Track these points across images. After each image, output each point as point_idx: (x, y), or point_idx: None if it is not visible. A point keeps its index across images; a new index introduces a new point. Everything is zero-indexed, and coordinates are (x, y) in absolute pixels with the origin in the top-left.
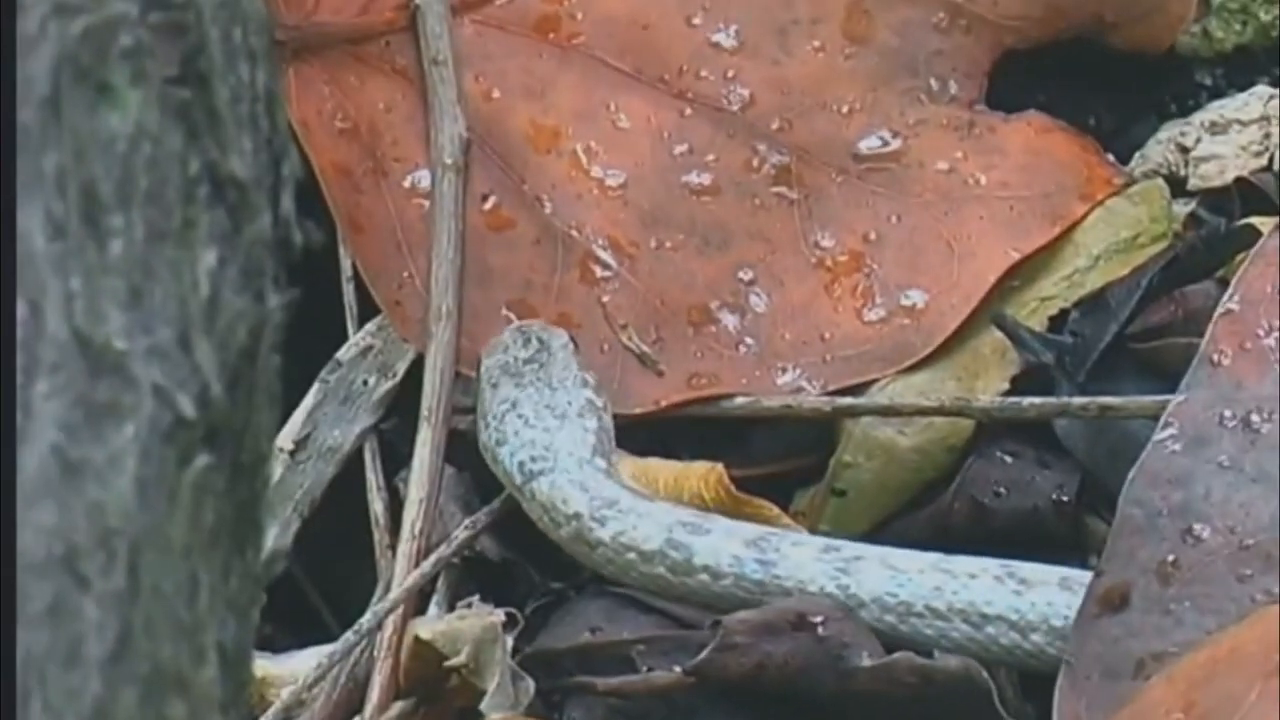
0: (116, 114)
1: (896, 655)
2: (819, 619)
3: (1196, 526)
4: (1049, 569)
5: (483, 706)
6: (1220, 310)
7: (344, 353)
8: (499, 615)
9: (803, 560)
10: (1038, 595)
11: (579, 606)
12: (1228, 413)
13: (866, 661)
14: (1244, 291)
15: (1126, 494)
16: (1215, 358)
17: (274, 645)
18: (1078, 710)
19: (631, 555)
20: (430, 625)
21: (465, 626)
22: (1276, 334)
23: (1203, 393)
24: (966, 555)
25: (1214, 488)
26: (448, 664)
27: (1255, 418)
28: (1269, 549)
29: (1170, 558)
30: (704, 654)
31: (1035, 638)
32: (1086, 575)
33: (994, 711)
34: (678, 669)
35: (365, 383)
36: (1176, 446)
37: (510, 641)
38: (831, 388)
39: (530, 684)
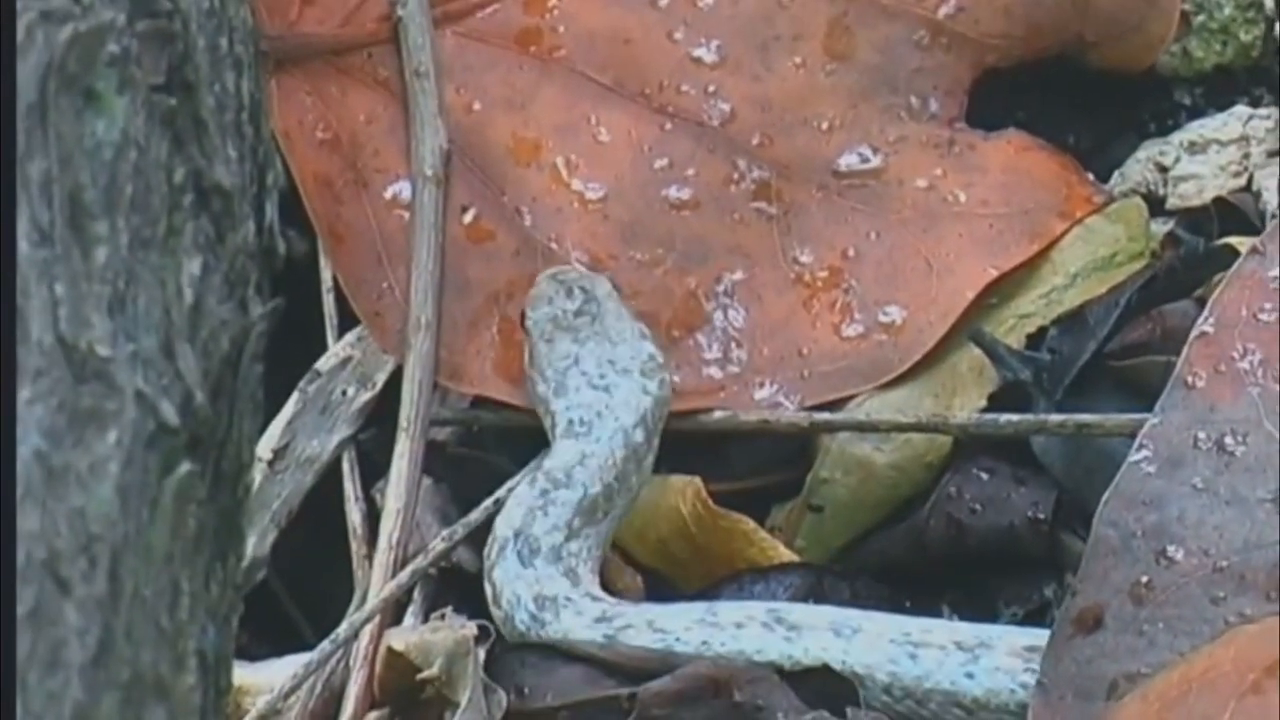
0: (103, 121)
1: (811, 717)
2: (733, 684)
3: (1170, 548)
4: (820, 611)
5: None
6: (1195, 333)
7: (323, 363)
8: (471, 628)
9: (575, 625)
10: (810, 641)
11: (505, 662)
12: (1202, 435)
13: None
14: (1219, 314)
15: (1101, 515)
16: (1190, 380)
17: (250, 654)
18: None
19: None
20: (404, 636)
21: (438, 639)
22: (1251, 357)
23: (1177, 415)
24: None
25: (1188, 510)
26: (420, 676)
27: (1229, 440)
28: (1242, 571)
29: (1144, 579)
30: None
31: None
32: (860, 616)
33: None
34: None
35: (344, 393)
36: (1151, 468)
37: (483, 654)
38: (809, 403)
39: (503, 697)
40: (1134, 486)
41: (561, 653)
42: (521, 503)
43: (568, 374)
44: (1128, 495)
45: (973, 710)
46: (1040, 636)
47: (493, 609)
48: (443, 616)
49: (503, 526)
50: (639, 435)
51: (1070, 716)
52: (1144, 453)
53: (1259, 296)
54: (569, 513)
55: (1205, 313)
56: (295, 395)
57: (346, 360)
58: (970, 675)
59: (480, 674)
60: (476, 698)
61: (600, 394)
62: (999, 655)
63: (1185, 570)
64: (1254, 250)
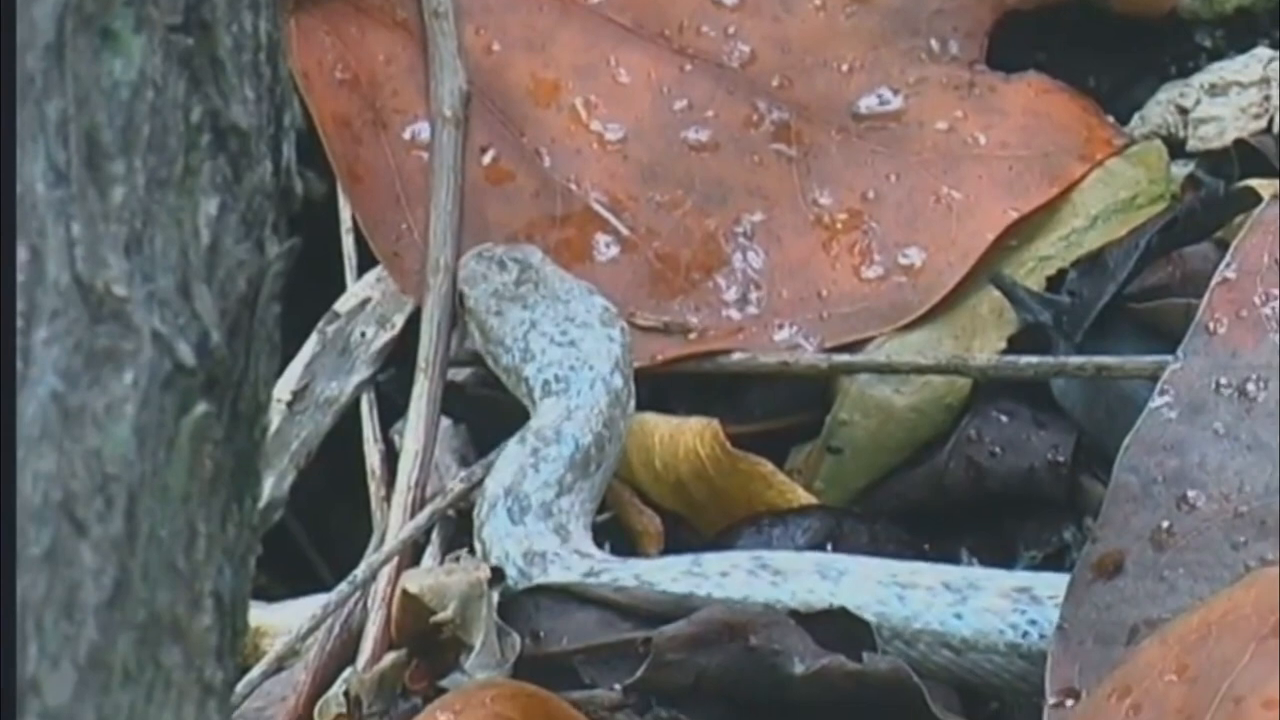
0: (120, 61)
1: (827, 661)
2: (749, 628)
3: (1191, 494)
4: (804, 556)
5: (467, 666)
6: (1217, 279)
7: (342, 304)
8: (485, 571)
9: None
10: (796, 585)
11: (519, 605)
12: (1223, 380)
13: (799, 669)
14: (1241, 260)
15: (1121, 461)
16: (1211, 326)
17: (268, 595)
18: (1070, 676)
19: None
20: (418, 579)
21: (452, 581)
22: (1273, 303)
23: (1199, 360)
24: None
25: (1209, 455)
26: (434, 619)
27: (1251, 386)
28: (1263, 516)
29: (1165, 525)
30: (640, 672)
31: None
32: (846, 560)
33: (926, 711)
34: (617, 686)
35: (363, 334)
36: (1172, 414)
37: (496, 597)
38: (828, 345)
39: (516, 639)
40: (1155, 432)
41: (577, 596)
42: (512, 461)
43: (529, 338)
44: (1148, 441)
45: (961, 651)
46: (1029, 579)
47: None
48: (458, 559)
49: (493, 485)
50: (618, 381)
51: (1090, 662)
52: (1165, 398)
53: None
54: (560, 468)
55: (1227, 259)
56: (314, 336)
57: (365, 301)
58: (959, 616)
59: (494, 617)
60: (490, 640)
61: (568, 349)
62: (987, 596)
63: (1206, 515)
64: (1276, 197)
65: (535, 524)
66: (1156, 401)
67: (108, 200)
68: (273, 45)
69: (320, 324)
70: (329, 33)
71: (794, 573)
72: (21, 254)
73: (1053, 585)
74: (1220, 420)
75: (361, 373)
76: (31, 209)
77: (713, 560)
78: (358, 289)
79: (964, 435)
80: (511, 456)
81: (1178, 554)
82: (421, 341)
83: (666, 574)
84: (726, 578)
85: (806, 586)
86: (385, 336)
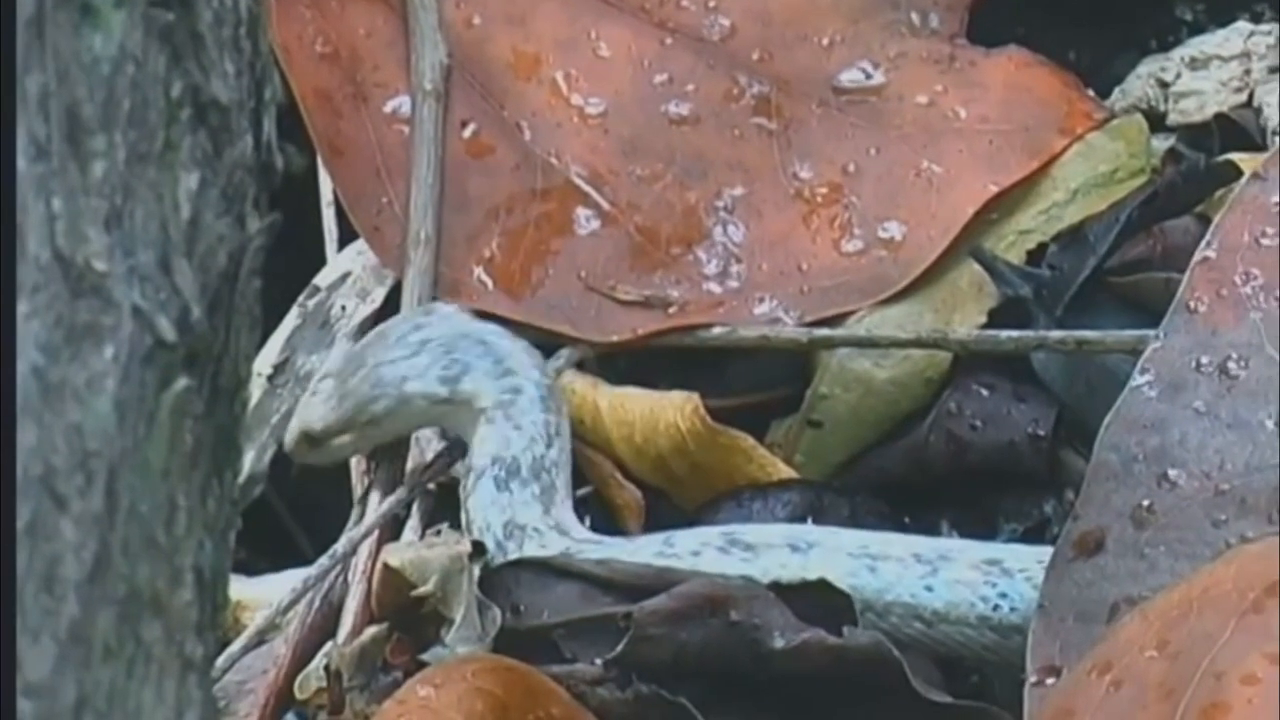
0: (100, 35)
1: (808, 635)
2: (729, 603)
3: (1172, 472)
4: (774, 529)
5: (448, 640)
6: (1197, 258)
7: (322, 278)
8: (465, 544)
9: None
10: (768, 560)
11: (499, 579)
12: (1204, 359)
13: (779, 643)
14: (1221, 238)
15: (1102, 439)
16: (1192, 304)
17: (249, 569)
18: (1051, 653)
19: None
20: (399, 553)
21: (433, 555)
22: (1253, 281)
23: (1179, 339)
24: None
25: (1190, 433)
26: (414, 593)
27: (1231, 364)
28: (1243, 494)
29: (1145, 503)
30: (620, 647)
31: None
32: (817, 532)
33: (907, 685)
34: (598, 660)
35: (343, 308)
36: (1153, 393)
37: (477, 571)
38: (808, 319)
39: (497, 613)
40: (1135, 410)
41: (557, 570)
42: (491, 436)
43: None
44: (1129, 419)
45: (932, 623)
46: (1000, 551)
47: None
48: (439, 532)
49: (479, 456)
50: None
51: (1071, 639)
52: (1146, 377)
53: (1260, 221)
54: (541, 430)
55: (1207, 237)
56: (294, 310)
57: (345, 275)
58: (929, 588)
59: (474, 590)
60: (470, 615)
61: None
62: (959, 568)
63: (1187, 493)
64: (1255, 175)
65: (521, 491)
66: (1137, 380)
67: (88, 175)
68: (253, 19)
69: (301, 298)
70: (309, 6)
71: (765, 547)
72: None
73: (1023, 558)
74: (1201, 399)
75: (342, 347)
76: (11, 184)
77: (684, 538)
78: (338, 263)
79: (944, 409)
80: (489, 432)
81: (1158, 532)
82: (402, 315)
83: (639, 556)
84: (698, 556)
85: (778, 561)
86: (366, 310)
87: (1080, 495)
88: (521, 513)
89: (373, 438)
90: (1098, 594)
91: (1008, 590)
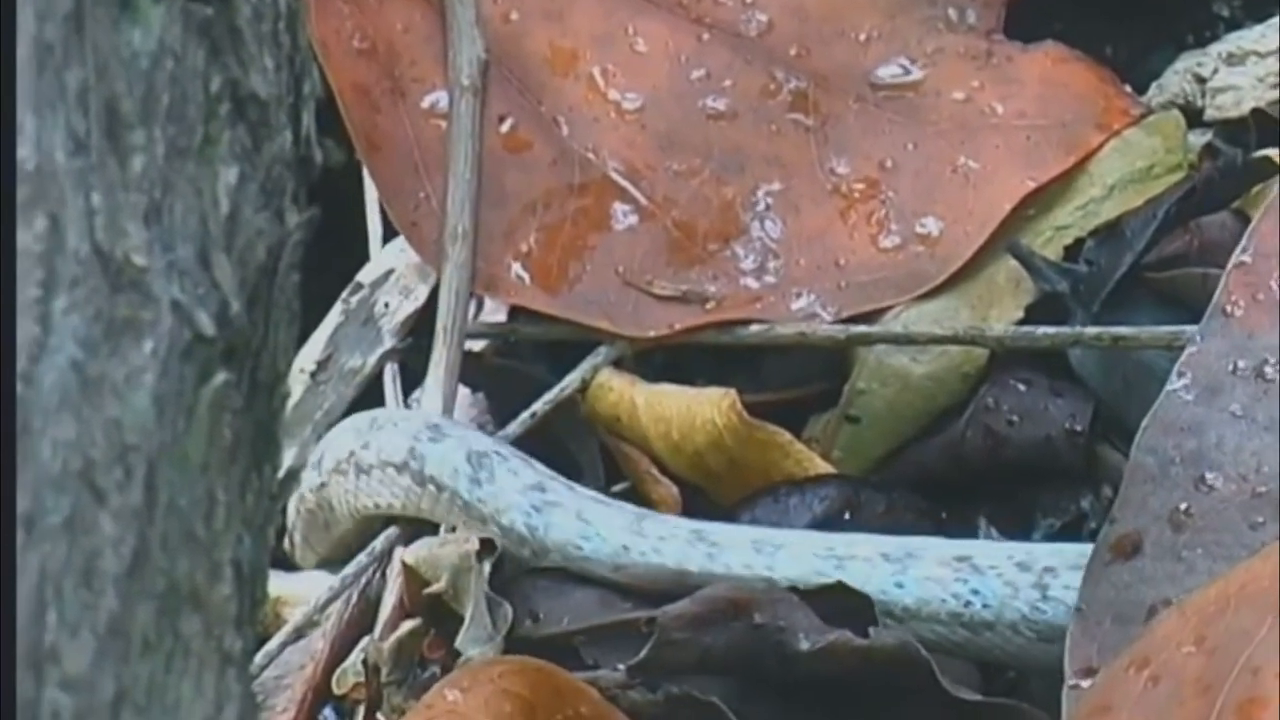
0: (139, 30)
1: (834, 637)
2: (753, 606)
3: (1209, 475)
4: (742, 530)
5: (459, 643)
6: (1233, 262)
7: (365, 274)
8: (474, 543)
9: (504, 489)
10: (731, 557)
11: (517, 586)
12: (1241, 363)
13: (805, 645)
14: (1257, 243)
15: (1139, 443)
16: (1228, 308)
17: (288, 564)
18: (1089, 655)
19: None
20: (414, 551)
21: (444, 553)
22: None
23: (1216, 342)
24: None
25: (1226, 436)
26: (427, 591)
27: (1268, 368)
28: None
29: (1183, 506)
30: (644, 652)
31: None
32: (784, 535)
33: (936, 684)
34: (621, 667)
35: (386, 305)
36: (1189, 396)
37: (487, 568)
38: (846, 314)
39: (509, 609)
40: (1172, 413)
41: (575, 576)
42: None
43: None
44: (1166, 422)
45: (903, 620)
46: (969, 548)
47: (433, 495)
48: (454, 530)
49: (393, 448)
50: None
51: (1109, 642)
52: (1182, 381)
53: None
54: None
55: (1242, 243)
56: (338, 306)
57: (389, 272)
58: (900, 585)
59: (485, 588)
60: (479, 612)
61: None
62: (928, 565)
63: (1224, 496)
64: None
65: (466, 430)
66: (1174, 384)
67: (127, 170)
68: (292, 14)
69: (344, 294)
70: (347, 2)
71: (730, 546)
72: (41, 223)
73: (993, 555)
74: (1237, 402)
75: (385, 344)
76: (51, 178)
77: (654, 523)
78: (382, 259)
79: (982, 404)
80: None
81: (1196, 534)
82: (440, 309)
83: (607, 521)
84: (664, 542)
85: (742, 561)
86: (409, 307)
87: (1117, 498)
88: (479, 441)
89: None
90: (1135, 596)
91: (979, 587)
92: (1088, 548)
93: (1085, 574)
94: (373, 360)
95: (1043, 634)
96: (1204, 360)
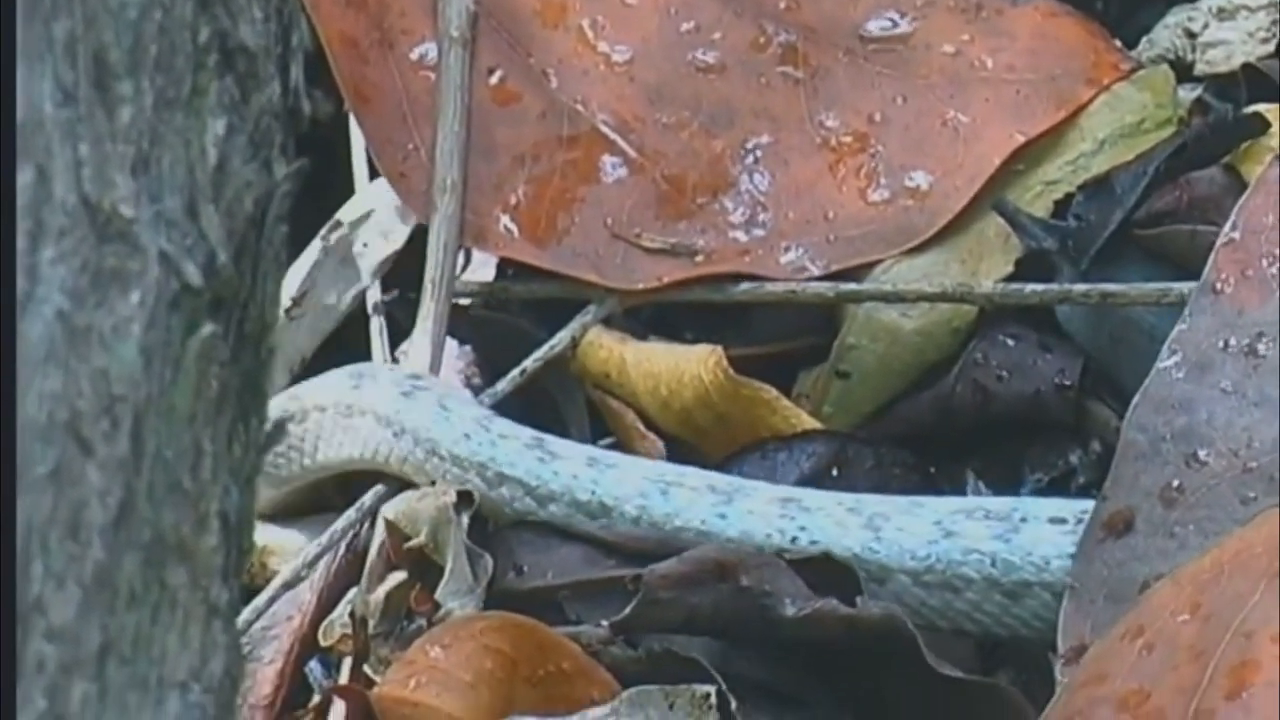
0: None
1: (820, 604)
2: (740, 569)
3: (1200, 451)
4: (578, 447)
5: (439, 595)
6: (1222, 240)
7: (345, 213)
8: (451, 495)
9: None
10: (560, 466)
11: (501, 540)
12: (1230, 339)
13: (790, 611)
14: (1245, 221)
15: (1130, 420)
16: (1218, 285)
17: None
18: (1083, 632)
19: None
20: (394, 506)
21: (423, 507)
22: (1277, 262)
23: (1205, 319)
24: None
25: (1217, 413)
26: (407, 545)
27: (1258, 343)
28: (1271, 471)
29: (1174, 482)
30: (629, 610)
31: (553, 508)
32: (615, 456)
33: (920, 658)
34: (604, 623)
35: (365, 245)
36: (1180, 373)
37: (465, 520)
38: (835, 267)
39: (489, 561)
40: (1163, 391)
41: (559, 531)
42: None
43: None
44: (1157, 399)
45: (604, 525)
46: (798, 492)
47: (384, 434)
48: (432, 483)
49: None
50: None
51: (1101, 619)
52: (1173, 358)
53: None
54: None
55: (1231, 220)
56: (316, 243)
57: (370, 212)
58: (723, 516)
59: (464, 540)
60: (459, 565)
61: None
62: (755, 501)
63: (1215, 472)
64: (1277, 159)
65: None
66: (1165, 361)
67: (115, 120)
68: None
69: (323, 231)
70: None
71: (566, 458)
72: (28, 174)
73: (821, 500)
74: (1228, 378)
75: (362, 282)
76: (39, 128)
77: (502, 425)
78: (364, 199)
79: (971, 359)
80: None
81: (1188, 511)
82: (428, 262)
83: (514, 439)
84: (505, 440)
85: (571, 470)
86: (387, 248)
87: (1109, 476)
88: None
89: None
90: (1128, 573)
91: (806, 524)
92: (916, 498)
93: (1077, 551)
94: (349, 298)
95: (874, 575)
96: (1194, 337)
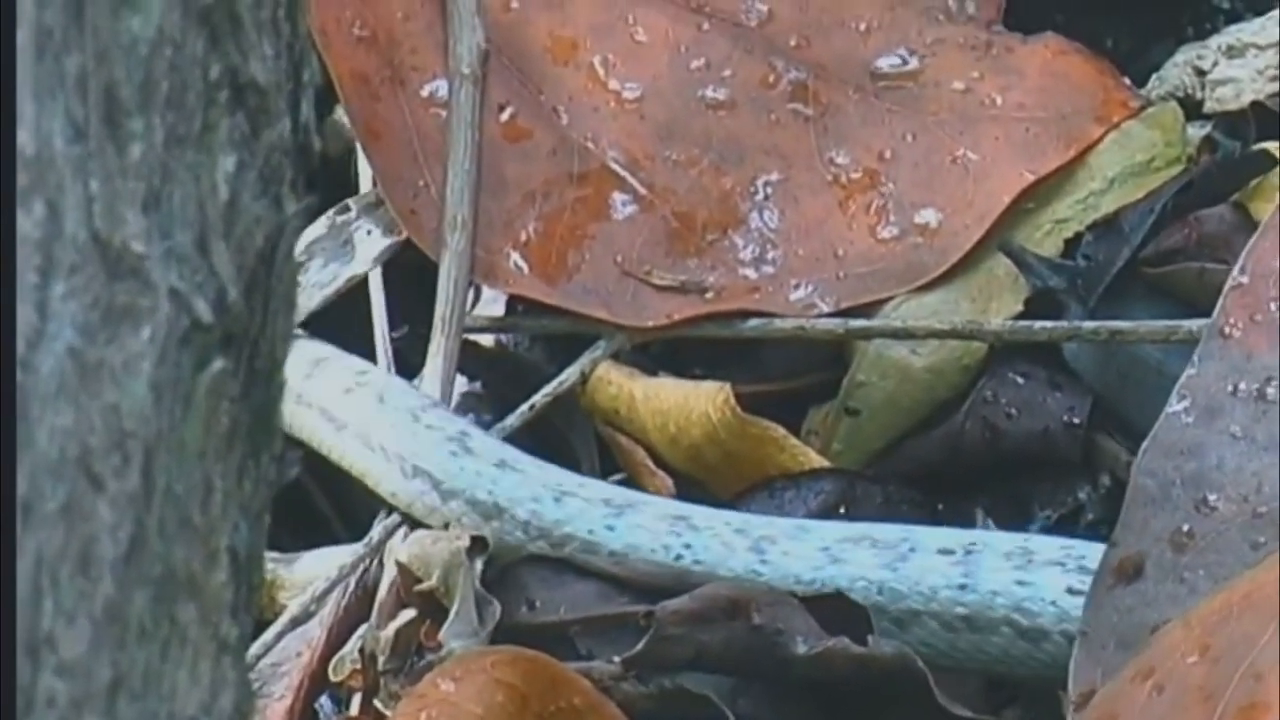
0: (139, 17)
1: (831, 643)
2: (751, 606)
3: (1210, 496)
4: (493, 444)
5: (441, 635)
6: (1230, 283)
7: (357, 200)
8: (464, 539)
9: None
10: (469, 462)
11: (515, 575)
12: (1240, 384)
13: (802, 649)
14: (1254, 265)
15: (1139, 465)
16: (1226, 330)
17: (280, 547)
18: (1094, 679)
19: None
20: (406, 548)
21: (435, 550)
22: None
23: (1214, 365)
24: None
25: (1226, 458)
26: (418, 588)
27: (1267, 388)
28: None
29: (1184, 527)
30: (640, 646)
31: (452, 504)
32: (523, 459)
33: (931, 698)
34: (616, 659)
35: (369, 233)
36: (1189, 418)
37: (479, 565)
38: (844, 305)
39: (497, 608)
40: (1172, 436)
41: (574, 567)
42: None
43: None
44: (1166, 444)
45: (621, 560)
46: (689, 509)
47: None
48: (446, 526)
49: None
50: None
51: (1112, 665)
52: (1182, 403)
53: None
54: None
55: (1240, 263)
56: (323, 220)
57: (379, 203)
58: (611, 528)
59: (475, 585)
60: (466, 609)
61: None
62: (645, 516)
63: (1225, 517)
64: None
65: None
66: (1174, 406)
67: (126, 157)
68: (292, 2)
69: (332, 211)
70: None
71: (478, 455)
72: (39, 210)
73: (711, 519)
74: (1237, 423)
75: (358, 268)
76: (50, 165)
77: (433, 417)
78: (374, 191)
79: (980, 397)
80: None
81: (1197, 556)
82: (439, 298)
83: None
84: (429, 431)
85: (475, 469)
86: (386, 241)
87: (1118, 522)
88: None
89: None
90: (1138, 619)
91: (692, 542)
92: (803, 522)
93: (1088, 598)
94: (342, 280)
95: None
96: (1203, 382)
